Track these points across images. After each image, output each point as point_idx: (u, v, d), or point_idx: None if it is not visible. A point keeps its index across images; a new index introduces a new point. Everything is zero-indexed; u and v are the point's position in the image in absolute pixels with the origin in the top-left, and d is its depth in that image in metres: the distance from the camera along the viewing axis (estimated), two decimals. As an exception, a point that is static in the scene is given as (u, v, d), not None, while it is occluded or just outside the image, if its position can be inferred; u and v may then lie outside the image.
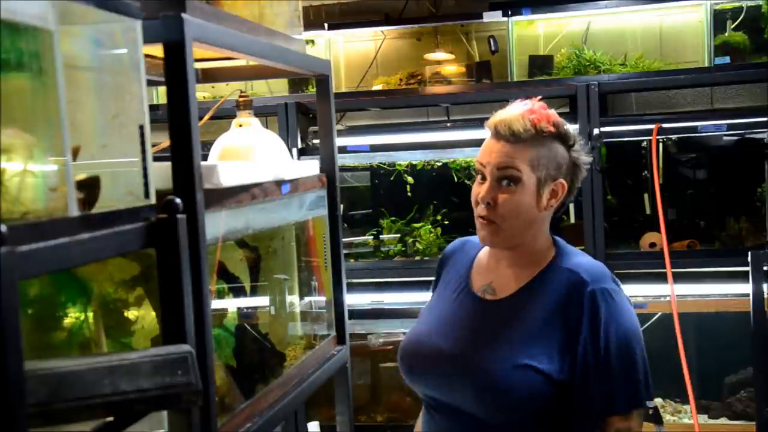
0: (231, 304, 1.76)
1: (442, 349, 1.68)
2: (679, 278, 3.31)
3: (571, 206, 3.70)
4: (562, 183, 1.68)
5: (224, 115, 2.19)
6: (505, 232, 1.66)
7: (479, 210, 1.68)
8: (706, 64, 3.59)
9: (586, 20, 3.87)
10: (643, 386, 1.61)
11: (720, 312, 3.42)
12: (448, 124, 3.93)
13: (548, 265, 1.69)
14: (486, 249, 1.81)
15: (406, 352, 1.78)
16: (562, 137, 1.68)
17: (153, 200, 1.19)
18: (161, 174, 1.28)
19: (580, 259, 1.71)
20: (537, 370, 1.58)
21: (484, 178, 1.69)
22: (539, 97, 1.73)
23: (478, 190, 1.69)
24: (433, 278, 1.96)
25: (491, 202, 1.65)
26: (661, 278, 3.32)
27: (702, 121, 3.49)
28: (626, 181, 3.79)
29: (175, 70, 1.29)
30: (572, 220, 3.71)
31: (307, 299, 2.12)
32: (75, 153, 1.07)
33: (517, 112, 1.66)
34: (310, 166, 2.00)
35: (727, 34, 3.63)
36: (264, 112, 3.60)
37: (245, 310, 1.89)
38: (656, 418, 2.82)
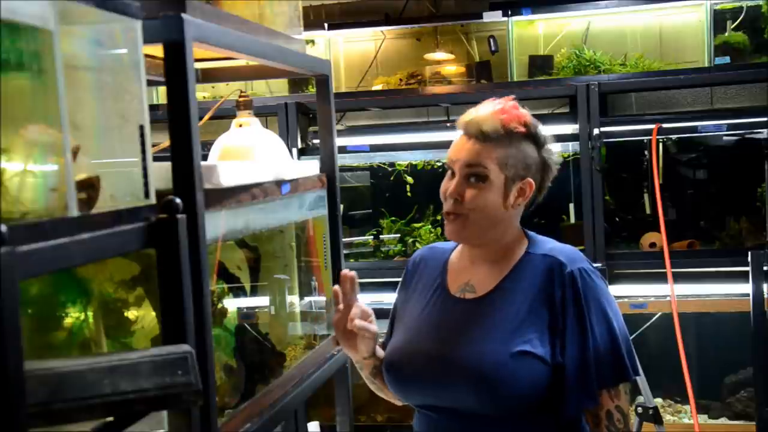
0: (231, 304, 1.76)
1: (432, 354, 1.67)
2: (679, 278, 3.31)
3: (571, 206, 3.71)
4: (530, 182, 1.70)
5: (224, 115, 2.20)
6: (472, 225, 1.68)
7: (447, 205, 1.70)
8: (706, 64, 3.59)
9: (586, 20, 3.87)
10: (627, 360, 1.64)
11: (720, 312, 3.42)
12: (448, 124, 3.93)
13: (523, 256, 1.72)
14: (458, 251, 1.81)
15: (392, 364, 1.74)
16: (533, 137, 1.70)
17: (153, 200, 1.19)
18: (161, 174, 1.28)
19: (553, 244, 1.75)
20: (533, 355, 1.60)
21: (453, 174, 1.71)
22: (512, 96, 1.74)
23: (447, 186, 1.71)
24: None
25: (459, 198, 1.67)
26: (661, 278, 3.32)
27: (702, 121, 3.50)
28: (626, 181, 3.79)
29: (175, 70, 1.29)
30: (572, 220, 3.71)
31: (307, 299, 2.12)
32: (75, 153, 1.07)
33: (488, 112, 1.69)
34: (310, 166, 2.00)
35: (727, 34, 3.63)
36: (264, 112, 3.60)
37: (245, 310, 1.89)
38: (656, 418, 2.83)
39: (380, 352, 1.79)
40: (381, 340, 1.85)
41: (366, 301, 4.07)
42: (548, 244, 1.74)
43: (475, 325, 1.67)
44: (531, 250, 1.72)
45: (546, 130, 1.74)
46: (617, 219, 3.73)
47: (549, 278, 1.66)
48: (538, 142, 1.70)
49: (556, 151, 1.74)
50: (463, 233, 1.70)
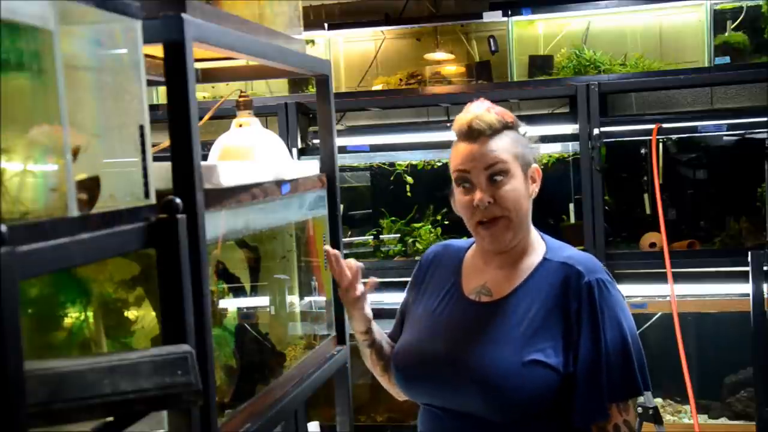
0: (231, 304, 1.76)
1: (443, 355, 1.66)
2: (679, 278, 3.31)
3: (571, 206, 3.70)
4: (536, 168, 1.71)
5: (224, 115, 2.19)
6: (513, 224, 1.65)
7: (478, 215, 1.65)
8: (706, 64, 3.59)
9: (586, 20, 3.87)
10: (639, 375, 1.63)
11: (720, 312, 3.42)
12: (448, 124, 3.92)
13: (541, 261, 1.70)
14: (473, 251, 1.79)
15: (402, 362, 1.73)
16: (517, 127, 1.72)
17: (153, 200, 1.19)
18: (161, 174, 1.28)
19: (571, 252, 1.73)
20: (545, 365, 1.59)
21: (469, 185, 1.66)
22: (480, 98, 1.76)
23: (469, 199, 1.65)
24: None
25: (491, 201, 1.64)
26: (661, 278, 3.32)
27: (702, 121, 3.50)
28: (626, 181, 3.80)
29: (175, 70, 1.29)
30: (572, 220, 3.71)
31: (307, 299, 2.12)
32: (75, 153, 1.07)
33: (482, 108, 1.69)
34: (310, 166, 2.00)
35: (727, 34, 3.63)
36: (264, 112, 3.60)
37: (245, 310, 1.89)
38: (656, 418, 2.83)
39: (377, 333, 1.82)
40: (387, 332, 1.87)
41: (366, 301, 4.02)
42: (566, 251, 1.71)
43: (488, 330, 1.65)
44: (549, 257, 1.70)
45: (544, 130, 1.75)
46: (613, 217, 3.73)
47: (565, 287, 1.64)
48: (519, 130, 1.72)
49: (535, 146, 1.75)
50: (506, 235, 1.66)
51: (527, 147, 1.70)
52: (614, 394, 1.60)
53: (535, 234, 1.73)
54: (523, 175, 1.66)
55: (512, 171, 1.64)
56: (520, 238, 1.69)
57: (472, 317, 1.68)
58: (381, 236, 3.92)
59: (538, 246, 1.72)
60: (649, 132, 3.42)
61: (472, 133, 1.66)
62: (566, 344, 1.61)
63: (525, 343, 1.61)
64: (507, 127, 1.68)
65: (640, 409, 2.85)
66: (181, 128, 1.30)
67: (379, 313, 3.69)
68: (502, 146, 1.65)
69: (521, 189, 1.65)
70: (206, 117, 1.93)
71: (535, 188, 1.70)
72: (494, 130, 1.65)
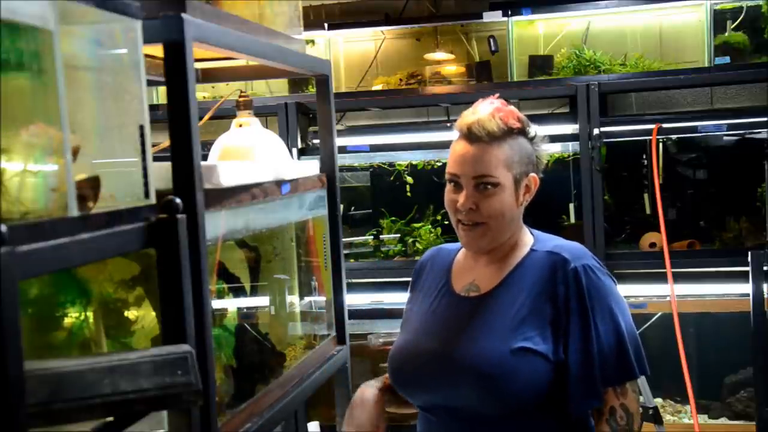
0: (231, 304, 1.76)
1: (435, 352, 1.67)
2: (679, 278, 3.31)
3: (571, 206, 3.70)
4: (533, 177, 1.71)
5: (224, 115, 2.19)
6: (491, 232, 1.67)
7: (461, 216, 1.68)
8: (706, 64, 3.59)
9: (586, 20, 3.87)
10: (634, 358, 1.63)
11: (720, 312, 3.42)
12: (448, 124, 3.93)
13: (528, 253, 1.71)
14: (463, 252, 1.81)
15: (396, 362, 1.75)
16: (525, 132, 1.69)
17: (153, 200, 1.19)
18: (161, 174, 1.28)
19: (558, 241, 1.74)
20: (534, 352, 1.59)
21: (457, 185, 1.68)
22: (497, 95, 1.74)
23: (455, 198, 1.68)
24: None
25: (474, 207, 1.65)
26: (661, 278, 3.32)
27: (702, 121, 3.50)
28: (626, 181, 3.79)
29: (175, 70, 1.29)
30: (572, 220, 3.71)
31: (307, 299, 2.12)
32: (75, 153, 1.07)
33: (487, 111, 1.67)
34: (310, 166, 2.00)
35: (727, 34, 3.63)
36: (264, 112, 3.60)
37: (245, 310, 1.89)
38: (656, 418, 2.83)
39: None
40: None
41: (366, 301, 4.06)
42: (553, 241, 1.73)
43: (476, 322, 1.66)
44: (536, 247, 1.71)
45: (544, 130, 1.74)
46: (613, 217, 3.73)
47: (552, 275, 1.65)
48: (529, 135, 1.70)
49: (545, 146, 1.74)
50: (482, 241, 1.69)
51: (528, 156, 1.68)
52: (608, 379, 1.61)
53: (524, 230, 1.74)
54: (514, 186, 1.66)
55: (502, 183, 1.64)
56: (503, 241, 1.70)
57: (461, 312, 1.70)
58: (381, 236, 3.92)
59: (527, 240, 1.74)
60: (649, 132, 3.41)
61: (471, 136, 1.66)
62: (555, 331, 1.61)
63: (512, 331, 1.61)
64: (510, 133, 1.66)
65: (640, 409, 2.85)
66: (181, 128, 1.30)
67: (379, 313, 3.69)
68: (496, 157, 1.64)
69: (508, 200, 1.66)
70: (206, 117, 1.93)
71: (528, 197, 1.70)
72: (493, 138, 1.64)
